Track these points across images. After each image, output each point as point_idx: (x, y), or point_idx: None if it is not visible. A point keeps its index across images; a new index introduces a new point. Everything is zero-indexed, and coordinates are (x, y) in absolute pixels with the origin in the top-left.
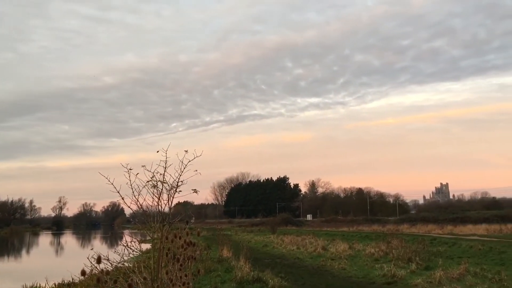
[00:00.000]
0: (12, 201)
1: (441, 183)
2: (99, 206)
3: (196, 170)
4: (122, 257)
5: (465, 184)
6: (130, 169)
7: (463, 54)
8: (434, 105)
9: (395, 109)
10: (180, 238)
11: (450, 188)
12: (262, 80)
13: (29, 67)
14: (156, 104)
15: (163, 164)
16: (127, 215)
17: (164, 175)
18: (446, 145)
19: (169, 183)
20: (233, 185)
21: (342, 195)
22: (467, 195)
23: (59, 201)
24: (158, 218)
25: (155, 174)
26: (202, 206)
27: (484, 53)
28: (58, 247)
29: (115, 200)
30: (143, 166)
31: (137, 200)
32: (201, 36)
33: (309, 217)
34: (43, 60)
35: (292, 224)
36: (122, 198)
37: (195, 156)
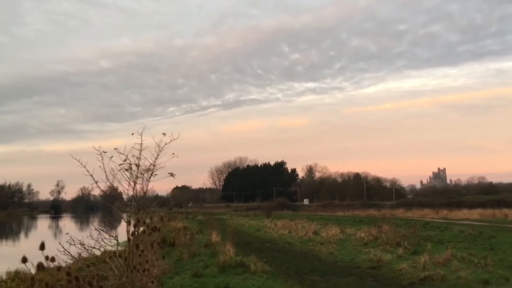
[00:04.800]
0: (9, 185)
1: (438, 168)
2: (98, 189)
3: (174, 153)
4: (110, 240)
5: (462, 169)
6: (132, 152)
7: (460, 39)
8: (431, 90)
9: (392, 94)
10: (162, 219)
11: (447, 173)
12: (259, 65)
13: (24, 50)
14: (152, 88)
15: (157, 148)
16: (125, 199)
17: (156, 159)
18: (443, 130)
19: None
20: (230, 170)
21: (339, 179)
22: (464, 180)
23: (57, 185)
24: (153, 201)
25: (146, 158)
26: (200, 190)
27: (481, 38)
28: (57, 230)
29: (113, 184)
30: (137, 150)
31: (134, 184)
32: (196, 20)
33: (306, 201)
34: (37, 43)
35: (288, 209)
36: (115, 186)
37: (171, 139)
